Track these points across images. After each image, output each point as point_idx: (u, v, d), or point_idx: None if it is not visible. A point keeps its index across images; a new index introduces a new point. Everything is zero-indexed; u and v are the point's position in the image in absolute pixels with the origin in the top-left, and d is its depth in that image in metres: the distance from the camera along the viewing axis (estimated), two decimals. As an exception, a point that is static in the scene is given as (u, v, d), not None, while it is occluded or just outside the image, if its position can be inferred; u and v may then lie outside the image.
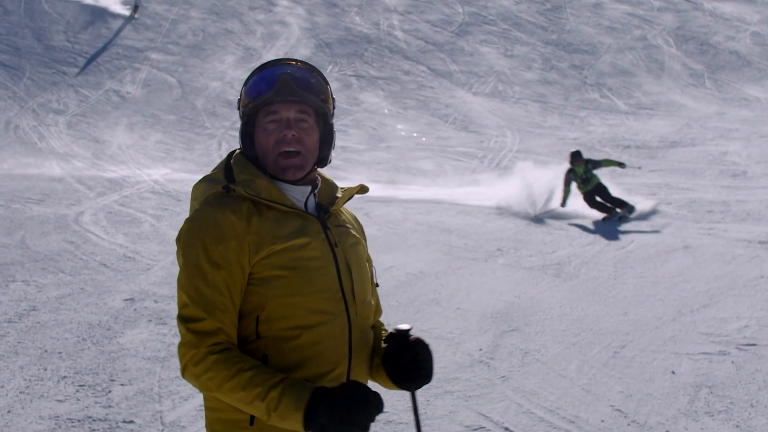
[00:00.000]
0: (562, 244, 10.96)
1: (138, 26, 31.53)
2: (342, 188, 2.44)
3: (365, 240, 2.48)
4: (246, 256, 2.13)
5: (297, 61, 2.31)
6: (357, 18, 33.88)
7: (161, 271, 9.42)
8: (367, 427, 1.91)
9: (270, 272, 2.14)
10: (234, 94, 26.60)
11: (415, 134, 23.15)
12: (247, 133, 2.28)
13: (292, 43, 31.27)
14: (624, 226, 12.39)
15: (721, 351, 6.65)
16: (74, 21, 31.15)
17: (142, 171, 18.03)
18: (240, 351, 2.12)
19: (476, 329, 7.36)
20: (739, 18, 35.02)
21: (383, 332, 2.46)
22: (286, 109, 2.23)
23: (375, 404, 1.92)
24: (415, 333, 2.28)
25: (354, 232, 2.38)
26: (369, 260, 2.45)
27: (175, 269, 9.44)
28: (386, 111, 25.60)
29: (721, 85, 28.90)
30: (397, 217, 13.06)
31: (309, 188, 2.30)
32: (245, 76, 29.96)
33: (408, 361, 2.23)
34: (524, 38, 33.29)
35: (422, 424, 2.45)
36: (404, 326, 2.27)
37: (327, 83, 2.33)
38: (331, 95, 2.34)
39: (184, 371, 2.10)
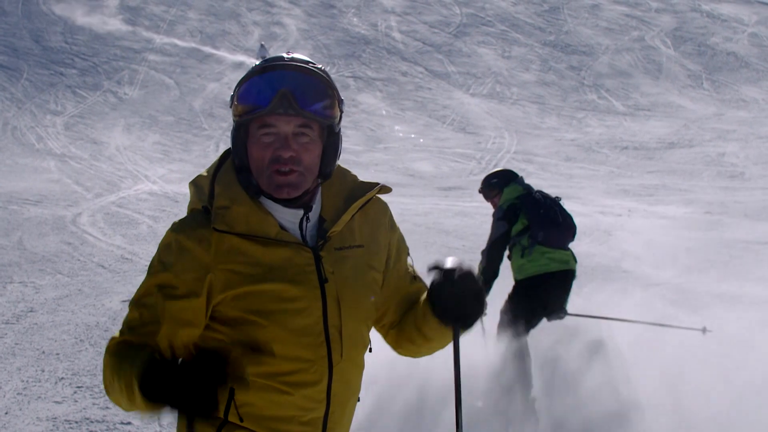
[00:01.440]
0: (560, 245, 10.95)
1: (136, 27, 31.51)
2: (363, 182, 2.18)
3: (393, 235, 2.23)
4: (205, 293, 1.94)
5: (298, 62, 2.01)
6: (355, 19, 33.89)
7: (159, 272, 9.41)
8: (199, 401, 1.68)
9: (238, 314, 1.96)
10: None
11: (412, 135, 23.16)
12: (239, 140, 2.01)
13: (289, 44, 31.27)
14: (623, 228, 12.38)
15: (721, 353, 6.64)
16: (72, 22, 31.12)
17: (140, 172, 18.02)
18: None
19: (476, 331, 7.34)
20: (737, 19, 35.07)
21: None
22: (285, 123, 1.95)
23: (211, 375, 1.68)
24: (460, 267, 2.03)
25: (361, 250, 2.11)
26: (397, 251, 2.22)
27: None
28: (384, 112, 25.60)
29: (718, 86, 28.93)
30: (395, 218, 13.02)
31: (301, 212, 2.02)
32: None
33: (456, 294, 2.00)
34: (522, 39, 33.31)
35: (460, 365, 2.18)
36: (452, 260, 2.04)
37: (333, 87, 2.02)
38: (338, 100, 2.03)
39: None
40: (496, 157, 20.47)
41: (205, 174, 2.09)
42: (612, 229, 12.02)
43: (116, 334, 1.98)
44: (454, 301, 2.02)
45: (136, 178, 17.26)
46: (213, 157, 20.84)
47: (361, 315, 2.10)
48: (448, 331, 2.10)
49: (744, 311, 7.80)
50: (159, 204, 14.38)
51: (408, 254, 2.29)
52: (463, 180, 17.45)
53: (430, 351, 2.26)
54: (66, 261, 9.86)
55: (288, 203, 2.01)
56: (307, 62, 2.04)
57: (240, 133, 2.01)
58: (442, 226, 12.18)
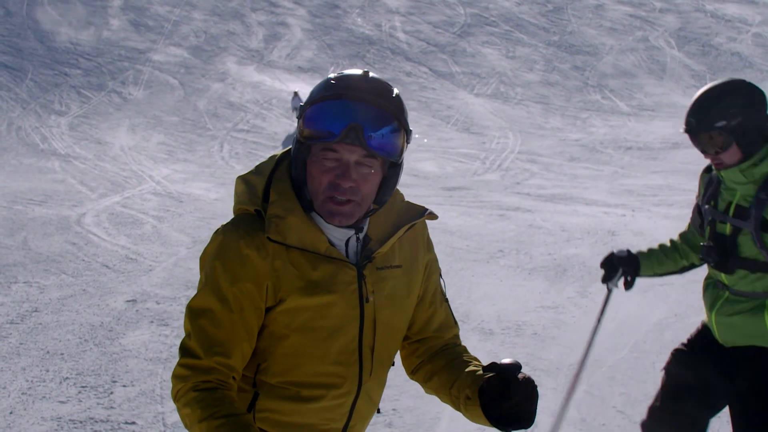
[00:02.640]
0: (565, 246, 10.95)
1: (140, 28, 31.56)
2: (409, 203, 2.18)
3: (428, 259, 2.21)
4: (263, 299, 1.96)
5: (374, 91, 1.96)
6: (359, 19, 33.90)
7: (163, 272, 9.42)
8: None
9: (280, 330, 1.98)
10: (236, 95, 26.63)
11: (417, 136, 23.16)
12: (300, 155, 1.99)
13: (293, 44, 31.29)
14: (627, 229, 12.37)
15: (723, 352, 6.65)
16: (76, 22, 31.18)
17: (144, 172, 18.04)
18: (227, 393, 1.92)
19: (478, 332, 7.35)
20: (741, 19, 35.01)
21: (461, 358, 2.17)
22: (349, 152, 1.91)
23: None
24: (523, 371, 1.92)
25: (400, 270, 2.11)
26: (431, 273, 2.20)
27: (177, 271, 9.45)
28: (388, 112, 25.57)
29: (723, 86, 28.87)
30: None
31: (352, 231, 2.03)
32: (247, 78, 29.71)
33: (513, 404, 1.87)
34: (526, 39, 33.30)
35: None
36: (510, 361, 1.88)
37: (404, 121, 2.00)
38: (406, 132, 2.01)
39: (173, 400, 1.98)
40: (500, 157, 20.46)
41: (256, 173, 2.07)
42: (616, 229, 12.01)
43: (182, 352, 1.96)
44: (509, 406, 1.90)
45: (141, 178, 17.28)
46: (217, 158, 20.90)
47: (393, 336, 2.13)
48: (485, 421, 2.00)
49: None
50: (163, 204, 14.40)
51: (440, 275, 2.27)
52: (467, 180, 17.45)
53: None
54: (70, 261, 9.88)
55: None
56: (384, 90, 1.99)
57: (302, 147, 1.98)
58: (446, 227, 12.17)
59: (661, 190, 15.64)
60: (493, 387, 1.92)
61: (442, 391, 2.15)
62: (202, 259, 2.02)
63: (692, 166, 18.33)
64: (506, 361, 1.89)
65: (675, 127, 23.65)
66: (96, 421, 5.27)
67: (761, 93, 3.22)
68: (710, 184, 3.43)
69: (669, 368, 3.60)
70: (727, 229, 3.29)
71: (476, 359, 2.19)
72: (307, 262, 1.97)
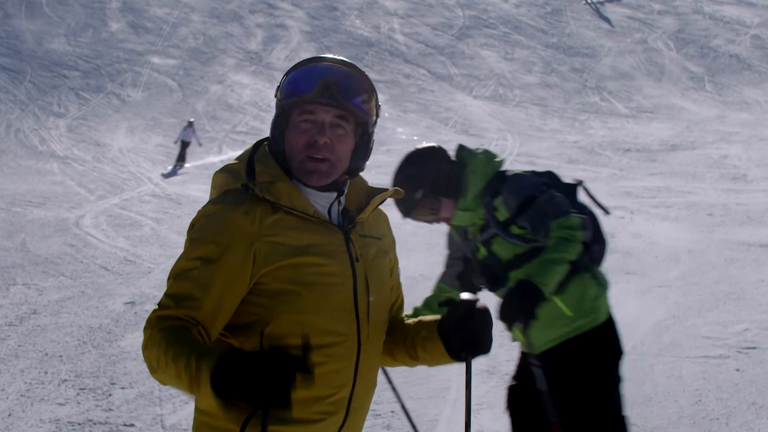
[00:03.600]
0: (563, 248, 10.95)
1: (138, 30, 31.55)
2: (374, 186, 2.27)
3: (393, 240, 2.35)
4: (250, 264, 1.98)
5: (343, 61, 2.12)
6: (357, 21, 33.91)
7: (162, 274, 9.42)
8: (276, 394, 1.67)
9: (280, 285, 2.01)
10: (234, 97, 26.63)
11: (415, 137, 23.17)
12: (278, 126, 2.11)
13: (292, 46, 31.30)
14: (625, 231, 12.38)
15: (722, 355, 6.65)
16: (75, 24, 31.16)
17: (143, 174, 18.04)
18: (192, 332, 1.92)
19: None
20: (739, 21, 35.04)
21: (412, 320, 2.30)
22: (324, 112, 2.05)
23: (287, 368, 1.69)
24: (478, 300, 2.10)
25: (379, 242, 2.23)
26: (394, 261, 2.33)
27: (176, 272, 9.45)
28: (387, 114, 25.60)
29: (721, 88, 28.92)
30: (397, 220, 13.03)
31: (334, 195, 2.13)
32: (246, 80, 29.90)
33: (471, 331, 2.07)
34: (524, 41, 33.31)
35: (472, 398, 2.19)
36: (468, 295, 2.11)
37: (374, 90, 2.14)
38: (376, 104, 2.15)
39: (142, 351, 1.94)
40: (498, 159, 20.50)
41: (234, 161, 2.16)
42: (614, 231, 12.00)
43: (156, 306, 1.98)
44: (470, 334, 2.08)
45: (139, 180, 17.28)
46: (215, 159, 20.90)
47: (384, 298, 2.21)
48: (441, 356, 2.18)
49: (747, 314, 7.80)
50: (162, 206, 14.40)
51: (397, 262, 2.39)
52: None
53: (400, 365, 2.36)
54: (69, 263, 9.88)
55: (322, 187, 2.10)
56: (355, 65, 2.14)
57: (281, 119, 2.10)
58: (444, 229, 12.19)
59: (659, 192, 15.65)
60: (452, 321, 2.09)
61: (397, 349, 2.27)
62: (189, 230, 2.07)
63: (691, 168, 18.35)
64: (464, 295, 2.11)
65: (673, 129, 23.68)
66: (95, 423, 5.26)
67: (428, 150, 3.62)
68: (460, 232, 3.76)
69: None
70: (482, 250, 3.54)
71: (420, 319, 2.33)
72: (298, 223, 2.05)
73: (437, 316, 2.21)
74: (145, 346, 1.92)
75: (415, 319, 2.29)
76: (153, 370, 1.92)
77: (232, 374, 1.68)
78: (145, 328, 1.94)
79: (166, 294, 1.99)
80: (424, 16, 34.75)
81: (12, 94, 25.26)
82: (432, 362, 2.24)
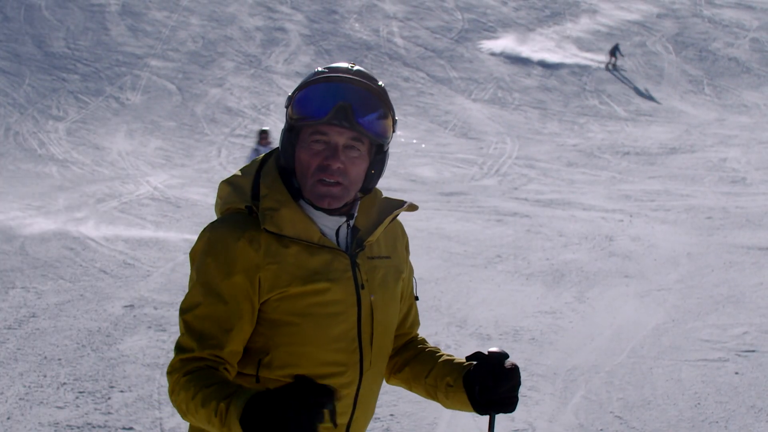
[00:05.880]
0: (563, 251, 10.97)
1: (138, 33, 31.58)
2: (388, 198, 2.21)
3: (406, 252, 2.28)
4: (256, 292, 1.96)
5: (358, 74, 2.02)
6: (356, 25, 33.94)
7: (161, 277, 9.42)
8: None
9: (279, 316, 1.99)
10: (234, 100, 26.65)
11: (414, 141, 23.18)
12: (289, 141, 2.03)
13: (291, 49, 31.32)
14: (624, 234, 12.38)
15: (721, 358, 6.66)
16: (74, 27, 31.19)
17: (142, 178, 18.04)
18: (219, 372, 1.91)
19: (476, 337, 7.36)
20: (738, 24, 35.09)
21: (430, 348, 2.28)
22: (337, 134, 1.96)
23: (316, 406, 1.66)
24: (510, 360, 2.09)
25: (389, 261, 2.17)
26: (408, 278, 2.27)
27: (175, 276, 9.45)
28: (386, 117, 25.58)
29: (720, 91, 28.95)
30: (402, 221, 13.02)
31: (343, 219, 2.07)
32: (245, 83, 29.84)
33: (498, 390, 2.04)
34: (523, 45, 33.32)
35: None
36: (497, 349, 2.08)
37: (390, 107, 2.05)
38: (393, 121, 2.06)
39: (170, 397, 1.95)
40: (498, 162, 20.47)
41: (241, 174, 2.11)
42: (613, 234, 12.02)
43: (175, 350, 1.96)
44: (497, 393, 2.06)
45: (138, 183, 17.28)
46: (215, 163, 20.90)
47: (389, 324, 2.16)
48: (463, 406, 2.15)
49: (746, 317, 7.81)
50: (161, 209, 14.40)
51: (413, 273, 2.34)
52: (465, 185, 17.46)
53: (410, 391, 2.34)
54: (68, 266, 9.88)
55: (330, 211, 2.04)
56: (370, 77, 2.05)
57: (291, 135, 2.03)
58: (444, 232, 12.18)
59: (658, 195, 15.66)
60: (481, 376, 2.05)
61: (416, 381, 2.24)
62: (192, 258, 2.03)
63: (690, 171, 18.36)
64: (493, 350, 2.06)
65: (672, 132, 23.70)
66: (93, 427, 5.26)
67: None
68: None
69: None
70: None
71: (439, 349, 2.30)
72: (302, 252, 1.99)
73: (463, 361, 2.18)
74: (172, 391, 1.92)
75: (439, 357, 2.24)
76: (183, 414, 1.92)
77: (262, 418, 1.67)
78: (170, 373, 1.93)
79: (184, 334, 1.97)
80: (424, 20, 34.77)
81: (11, 97, 25.26)
82: (452, 407, 2.22)
